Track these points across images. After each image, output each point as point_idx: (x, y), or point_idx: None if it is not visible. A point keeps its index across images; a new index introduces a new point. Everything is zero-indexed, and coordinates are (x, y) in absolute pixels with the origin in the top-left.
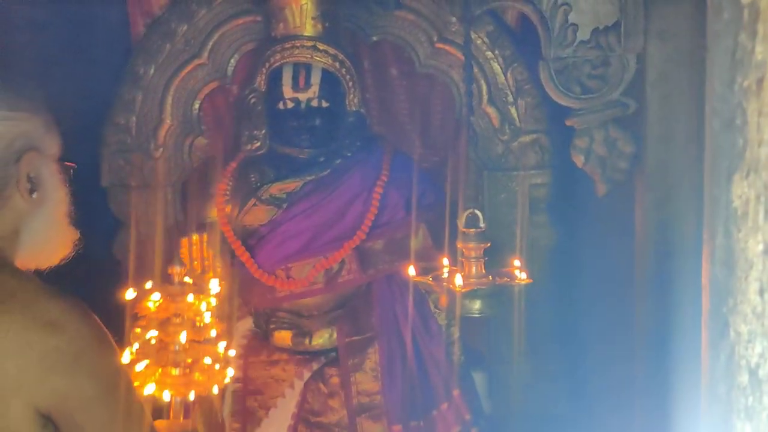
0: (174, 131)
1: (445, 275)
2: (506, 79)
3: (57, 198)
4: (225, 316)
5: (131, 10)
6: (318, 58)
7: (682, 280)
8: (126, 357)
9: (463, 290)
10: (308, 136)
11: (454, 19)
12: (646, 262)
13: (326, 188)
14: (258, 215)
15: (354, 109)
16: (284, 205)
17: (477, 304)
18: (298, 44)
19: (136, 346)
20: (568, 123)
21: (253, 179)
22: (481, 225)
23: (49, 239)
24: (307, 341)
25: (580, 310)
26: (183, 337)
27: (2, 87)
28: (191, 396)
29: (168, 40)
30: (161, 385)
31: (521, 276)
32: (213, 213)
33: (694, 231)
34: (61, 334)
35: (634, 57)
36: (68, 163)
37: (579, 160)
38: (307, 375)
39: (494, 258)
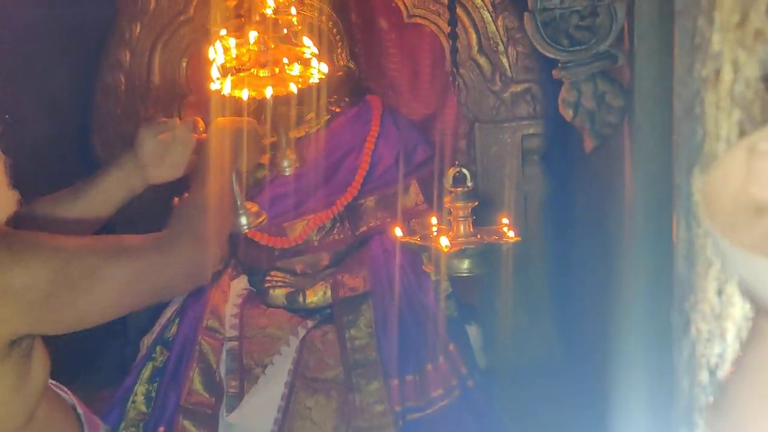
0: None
1: (435, 234)
2: (496, 27)
3: None
4: None
5: None
6: (304, 13)
7: (668, 240)
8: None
9: (452, 250)
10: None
11: None
12: (634, 220)
13: (316, 145)
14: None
15: (342, 63)
16: None
17: (465, 264)
18: None
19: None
20: (555, 76)
21: None
22: (469, 184)
23: None
24: (301, 299)
25: (572, 263)
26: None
27: None
28: (268, 93)
29: None
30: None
31: (510, 234)
32: None
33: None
34: None
35: (624, 7)
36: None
37: (567, 114)
38: (302, 332)
39: (486, 211)
